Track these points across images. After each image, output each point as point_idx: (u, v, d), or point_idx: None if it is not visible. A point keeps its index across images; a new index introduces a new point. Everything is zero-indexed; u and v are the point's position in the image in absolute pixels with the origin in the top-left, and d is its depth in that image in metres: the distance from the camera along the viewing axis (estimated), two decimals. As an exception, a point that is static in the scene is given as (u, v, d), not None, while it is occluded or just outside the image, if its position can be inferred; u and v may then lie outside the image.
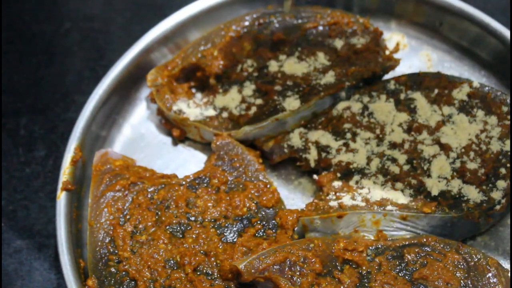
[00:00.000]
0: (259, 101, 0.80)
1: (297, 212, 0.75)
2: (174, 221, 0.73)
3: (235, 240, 0.72)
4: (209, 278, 0.70)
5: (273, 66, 0.83)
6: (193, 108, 0.82)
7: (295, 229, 0.74)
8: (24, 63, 0.95)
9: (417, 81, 0.81)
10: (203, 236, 0.72)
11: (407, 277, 0.68)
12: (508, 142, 0.77)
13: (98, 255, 0.71)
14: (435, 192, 0.74)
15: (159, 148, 0.84)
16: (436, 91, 0.81)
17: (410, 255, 0.70)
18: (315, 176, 0.79)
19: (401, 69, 0.87)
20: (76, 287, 0.70)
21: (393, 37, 0.91)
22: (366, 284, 0.68)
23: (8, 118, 0.90)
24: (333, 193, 0.76)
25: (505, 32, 0.83)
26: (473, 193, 0.74)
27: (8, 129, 0.89)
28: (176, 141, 0.85)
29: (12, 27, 0.98)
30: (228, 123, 0.80)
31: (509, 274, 0.69)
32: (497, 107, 0.79)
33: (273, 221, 0.74)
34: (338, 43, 0.84)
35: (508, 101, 0.79)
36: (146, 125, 0.86)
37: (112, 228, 0.73)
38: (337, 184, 0.76)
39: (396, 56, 0.88)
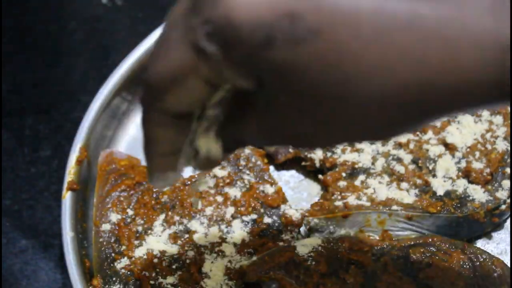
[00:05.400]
0: (264, 101, 0.80)
1: (302, 212, 0.75)
2: (179, 221, 0.73)
3: (240, 240, 0.73)
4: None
5: (278, 66, 0.83)
6: (198, 108, 0.82)
7: (300, 229, 0.74)
8: (29, 63, 0.95)
9: (422, 81, 0.81)
10: (208, 236, 0.72)
11: (412, 277, 0.68)
12: (514, 141, 0.77)
13: (104, 254, 0.71)
14: (440, 192, 0.74)
15: (164, 148, 0.84)
16: (441, 91, 0.81)
17: (415, 255, 0.70)
18: (320, 176, 0.79)
19: (406, 69, 0.87)
20: (81, 286, 0.70)
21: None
22: (371, 284, 0.68)
23: (13, 118, 0.90)
24: (339, 193, 0.76)
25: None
26: (478, 193, 0.74)
27: (13, 129, 0.89)
28: (181, 141, 0.85)
29: (17, 27, 0.98)
30: (233, 123, 0.80)
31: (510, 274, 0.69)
32: (502, 106, 0.79)
33: (278, 221, 0.74)
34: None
35: (514, 101, 0.79)
36: (151, 125, 0.86)
37: (117, 228, 0.73)
38: (342, 184, 0.76)
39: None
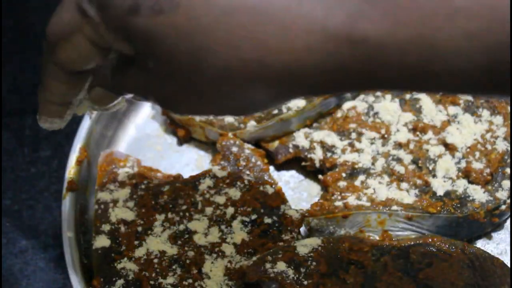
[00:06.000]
0: (264, 101, 0.80)
1: (302, 212, 0.75)
2: (179, 221, 0.73)
3: (240, 240, 0.72)
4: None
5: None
6: (198, 108, 0.82)
7: (300, 229, 0.74)
8: (29, 63, 0.95)
9: (422, 81, 0.81)
10: (208, 236, 0.72)
11: (412, 277, 0.68)
12: (514, 142, 0.77)
13: (103, 254, 0.71)
14: (440, 192, 0.74)
15: (164, 148, 0.84)
16: (441, 91, 0.81)
17: (415, 255, 0.70)
18: (320, 176, 0.79)
19: (406, 69, 0.87)
20: (81, 286, 0.70)
21: (398, 37, 0.91)
22: (371, 284, 0.68)
23: (13, 118, 0.90)
24: (338, 193, 0.76)
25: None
26: (478, 193, 0.74)
27: (13, 129, 0.89)
28: (181, 141, 0.85)
29: (17, 27, 0.98)
30: (233, 123, 0.80)
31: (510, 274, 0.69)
32: (502, 107, 0.79)
33: (278, 221, 0.74)
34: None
35: (514, 101, 0.79)
36: (151, 125, 0.86)
37: (117, 228, 0.73)
38: (342, 184, 0.76)
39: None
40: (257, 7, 0.40)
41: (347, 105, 0.81)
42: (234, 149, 0.79)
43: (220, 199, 0.75)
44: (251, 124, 0.79)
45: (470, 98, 0.80)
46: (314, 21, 0.40)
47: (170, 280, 0.69)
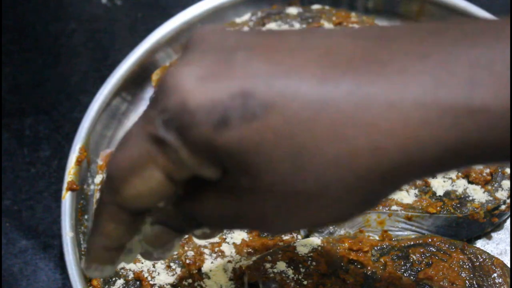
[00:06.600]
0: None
1: (302, 212, 0.74)
2: (179, 221, 0.73)
3: (240, 240, 0.73)
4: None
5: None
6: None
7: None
8: (29, 63, 0.95)
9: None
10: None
11: (412, 277, 0.68)
12: (513, 142, 0.77)
13: (103, 255, 0.71)
14: (440, 192, 0.74)
15: (164, 148, 0.84)
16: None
17: (415, 255, 0.70)
18: (320, 176, 0.78)
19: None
20: (81, 287, 0.70)
21: (398, 37, 0.90)
22: (371, 284, 0.68)
23: (13, 118, 0.90)
24: (338, 193, 0.75)
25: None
26: (478, 193, 0.74)
27: (13, 129, 0.89)
28: (181, 141, 0.84)
29: (17, 27, 0.98)
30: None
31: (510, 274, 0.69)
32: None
33: (278, 221, 0.74)
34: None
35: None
36: (151, 125, 0.86)
37: (117, 228, 0.73)
38: (342, 184, 0.76)
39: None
40: (356, 91, 0.37)
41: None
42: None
43: (220, 199, 0.75)
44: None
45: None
46: (424, 94, 0.36)
47: (170, 280, 0.69)
